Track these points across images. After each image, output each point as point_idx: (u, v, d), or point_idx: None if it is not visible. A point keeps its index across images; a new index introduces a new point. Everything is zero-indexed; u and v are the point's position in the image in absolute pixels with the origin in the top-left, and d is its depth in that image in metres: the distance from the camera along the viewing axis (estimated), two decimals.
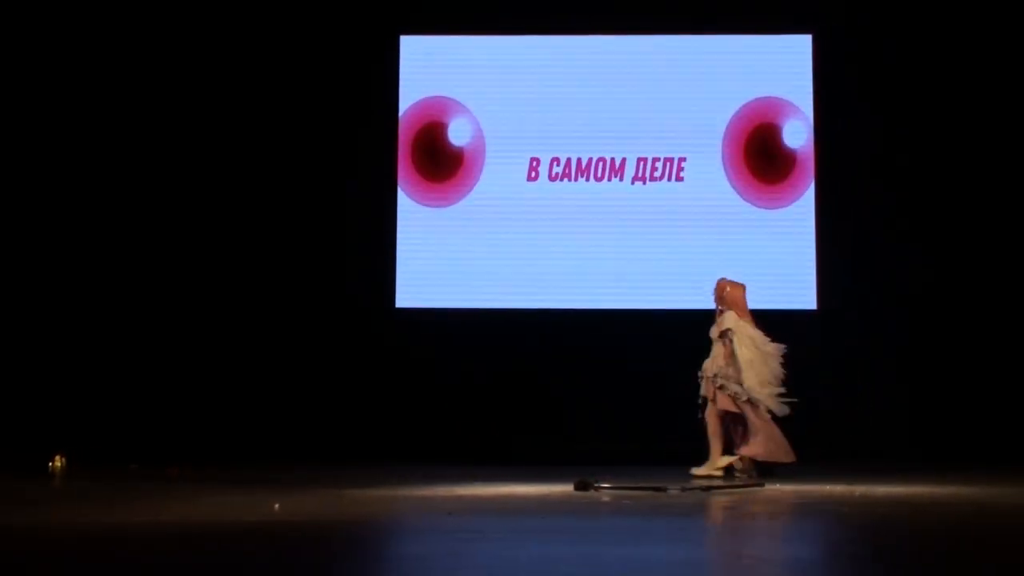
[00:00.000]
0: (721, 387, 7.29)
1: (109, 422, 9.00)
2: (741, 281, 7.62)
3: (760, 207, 9.50)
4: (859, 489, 6.26)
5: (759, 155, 9.56)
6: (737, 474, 7.20)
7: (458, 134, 9.65)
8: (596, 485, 6.30)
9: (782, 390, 7.36)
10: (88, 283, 9.35)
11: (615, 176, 9.54)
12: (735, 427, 7.35)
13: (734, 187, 9.51)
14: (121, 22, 9.49)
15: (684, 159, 9.52)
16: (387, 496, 6.03)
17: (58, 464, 8.36)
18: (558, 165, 9.56)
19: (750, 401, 7.24)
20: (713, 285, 7.64)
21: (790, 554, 3.98)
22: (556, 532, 4.61)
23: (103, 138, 9.46)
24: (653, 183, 9.52)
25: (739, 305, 7.44)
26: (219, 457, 8.74)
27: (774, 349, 7.41)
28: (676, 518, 5.14)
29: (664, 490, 6.26)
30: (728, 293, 7.48)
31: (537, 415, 9.18)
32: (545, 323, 9.34)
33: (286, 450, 9.01)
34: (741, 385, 7.24)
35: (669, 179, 9.52)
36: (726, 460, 7.27)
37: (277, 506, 5.24)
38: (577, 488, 6.28)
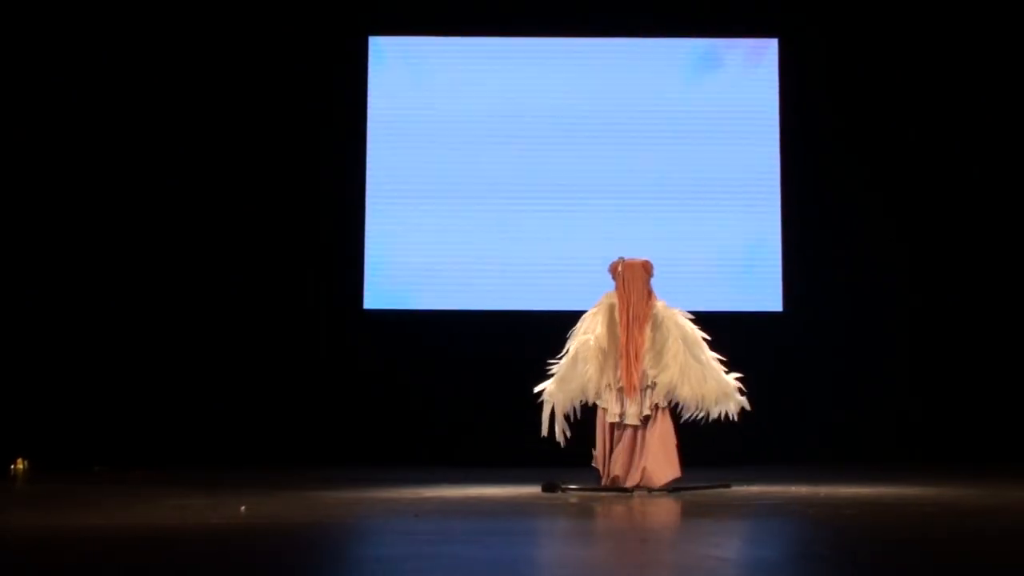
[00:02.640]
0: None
1: (72, 424, 8.90)
2: (643, 258, 6.49)
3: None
4: (823, 490, 6.30)
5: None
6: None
7: (428, 135, 9.62)
8: (563, 487, 6.30)
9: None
10: (45, 281, 9.22)
11: (586, 179, 9.55)
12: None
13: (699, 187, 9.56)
14: (88, 23, 9.39)
15: (650, 160, 9.55)
16: (353, 498, 6.00)
17: (20, 466, 8.28)
18: (530, 168, 9.56)
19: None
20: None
21: (755, 555, 4.00)
22: (523, 534, 4.61)
23: (71, 140, 9.34)
24: (621, 187, 9.54)
25: (636, 286, 6.37)
26: (184, 459, 8.68)
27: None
28: (643, 519, 5.16)
29: (631, 491, 6.28)
30: (620, 273, 6.43)
31: (505, 417, 9.17)
32: (514, 324, 9.33)
33: (252, 452, 8.97)
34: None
35: (635, 182, 9.54)
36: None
37: (243, 508, 5.21)
38: (544, 490, 6.28)
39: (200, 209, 9.43)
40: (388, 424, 9.23)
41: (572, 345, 6.42)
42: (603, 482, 6.41)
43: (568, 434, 6.41)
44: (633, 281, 6.38)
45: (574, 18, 9.65)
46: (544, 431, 6.40)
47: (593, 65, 9.68)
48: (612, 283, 6.54)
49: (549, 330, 8.73)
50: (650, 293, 6.44)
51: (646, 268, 6.46)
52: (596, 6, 9.65)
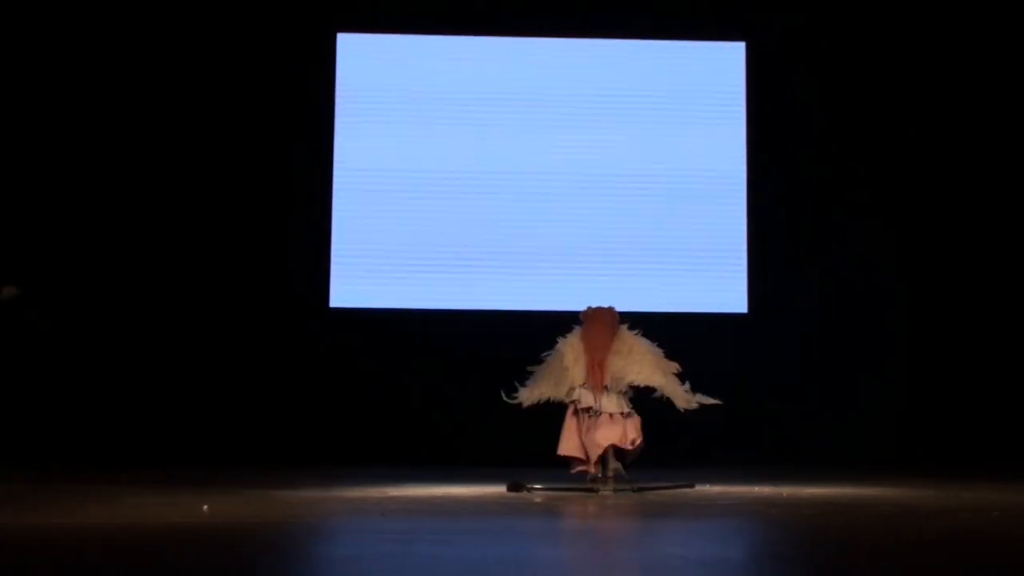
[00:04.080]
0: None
1: (30, 422, 8.81)
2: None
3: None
4: (785, 490, 6.36)
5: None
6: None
7: (397, 134, 9.60)
8: (529, 486, 6.33)
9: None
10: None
11: (550, 178, 9.58)
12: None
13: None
14: (54, 19, 9.32)
15: (616, 160, 9.60)
16: (319, 498, 5.99)
17: None
18: (494, 167, 9.58)
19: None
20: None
21: (717, 554, 4.04)
22: (489, 533, 4.63)
23: (37, 135, 9.26)
24: (585, 185, 9.57)
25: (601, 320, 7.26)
26: (146, 459, 8.62)
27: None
28: (608, 519, 5.19)
29: (595, 491, 6.32)
30: (588, 314, 7.31)
31: (471, 416, 9.17)
32: (478, 324, 9.35)
33: (216, 451, 8.91)
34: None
35: (600, 181, 9.58)
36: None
37: (206, 508, 5.19)
38: (510, 489, 6.31)
39: (167, 208, 9.37)
40: (353, 423, 9.21)
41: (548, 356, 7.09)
42: (590, 458, 6.77)
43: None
44: (598, 318, 7.14)
45: (540, 19, 9.67)
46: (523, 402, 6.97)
47: (564, 64, 9.71)
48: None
49: (513, 329, 8.79)
50: (615, 325, 7.14)
51: (611, 312, 7.19)
52: (566, 7, 9.68)
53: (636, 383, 6.97)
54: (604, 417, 6.89)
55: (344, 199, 9.53)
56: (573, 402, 6.97)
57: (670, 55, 9.74)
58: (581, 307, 7.53)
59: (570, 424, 7.02)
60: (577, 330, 7.23)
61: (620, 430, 6.85)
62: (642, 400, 7.31)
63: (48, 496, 6.06)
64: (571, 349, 7.05)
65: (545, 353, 7.15)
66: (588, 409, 6.99)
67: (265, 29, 9.54)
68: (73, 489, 6.41)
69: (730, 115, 9.68)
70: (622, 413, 6.94)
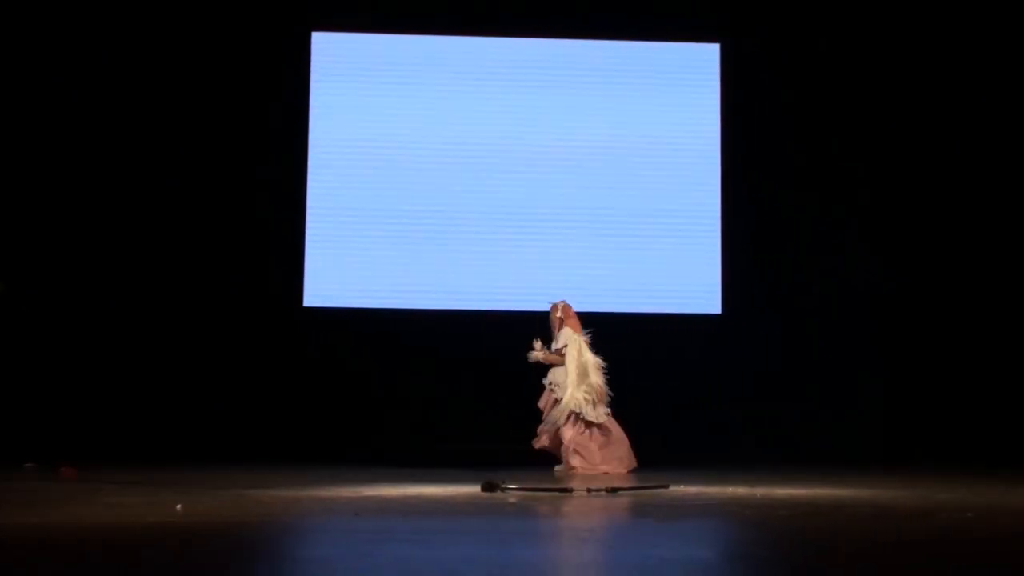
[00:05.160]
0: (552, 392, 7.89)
1: (2, 419, 8.74)
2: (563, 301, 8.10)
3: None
4: (760, 491, 6.37)
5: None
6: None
7: (368, 133, 9.58)
8: (503, 486, 6.31)
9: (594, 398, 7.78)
10: None
11: (522, 179, 9.58)
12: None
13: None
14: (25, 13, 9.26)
15: (590, 162, 9.61)
16: (292, 497, 5.96)
17: None
18: (465, 166, 9.57)
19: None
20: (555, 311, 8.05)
21: (692, 555, 4.04)
22: (463, 534, 4.61)
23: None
24: (558, 187, 9.59)
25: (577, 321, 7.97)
26: (121, 457, 8.56)
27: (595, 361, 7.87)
28: (582, 520, 5.18)
29: (570, 491, 6.31)
30: (570, 312, 8.02)
31: (444, 416, 9.16)
32: (452, 323, 9.34)
33: (189, 450, 8.87)
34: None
35: (574, 183, 9.59)
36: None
37: (179, 507, 5.15)
38: (484, 489, 6.28)
39: (139, 205, 9.34)
40: (326, 423, 9.19)
41: (574, 362, 7.67)
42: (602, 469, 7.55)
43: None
44: (574, 316, 7.91)
45: (513, 19, 9.68)
46: (560, 423, 7.64)
47: (534, 65, 9.72)
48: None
49: (485, 328, 8.81)
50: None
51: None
52: (538, 8, 9.68)
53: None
54: (599, 431, 7.56)
55: (318, 195, 9.50)
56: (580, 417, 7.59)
57: (643, 56, 9.77)
58: (546, 307, 7.73)
59: (579, 438, 7.55)
60: (576, 338, 7.68)
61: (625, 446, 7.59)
62: (623, 401, 7.56)
63: (23, 494, 6.00)
64: (593, 365, 7.61)
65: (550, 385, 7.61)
66: (590, 424, 7.64)
67: (240, 28, 9.51)
68: (49, 488, 6.35)
69: (705, 107, 9.71)
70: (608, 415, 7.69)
